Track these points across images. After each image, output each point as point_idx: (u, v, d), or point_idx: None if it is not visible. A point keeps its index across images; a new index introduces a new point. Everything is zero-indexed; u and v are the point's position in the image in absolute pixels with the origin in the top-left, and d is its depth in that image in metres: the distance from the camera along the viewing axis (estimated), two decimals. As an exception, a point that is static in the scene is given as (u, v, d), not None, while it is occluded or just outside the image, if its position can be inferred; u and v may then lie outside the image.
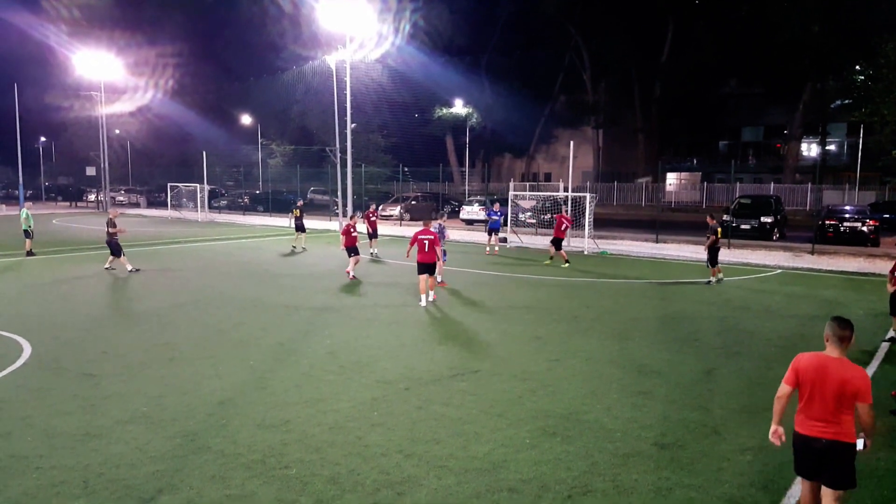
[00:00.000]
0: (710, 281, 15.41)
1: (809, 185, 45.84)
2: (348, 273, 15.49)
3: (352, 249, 15.56)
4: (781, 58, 42.07)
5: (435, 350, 9.36)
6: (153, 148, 64.94)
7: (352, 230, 15.71)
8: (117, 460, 5.66)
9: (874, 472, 5.58)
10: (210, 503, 4.97)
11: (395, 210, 35.02)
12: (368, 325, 10.93)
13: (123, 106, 54.32)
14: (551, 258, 18.60)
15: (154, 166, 63.61)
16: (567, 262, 18.05)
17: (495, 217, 21.16)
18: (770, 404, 7.01)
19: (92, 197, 52.84)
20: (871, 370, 8.38)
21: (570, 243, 22.96)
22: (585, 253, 21.33)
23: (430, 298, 12.63)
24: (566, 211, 22.66)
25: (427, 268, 12.38)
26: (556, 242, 18.34)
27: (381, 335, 10.20)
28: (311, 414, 6.76)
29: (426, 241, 12.27)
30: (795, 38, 39.62)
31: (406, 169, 43.72)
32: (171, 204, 42.12)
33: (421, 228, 12.61)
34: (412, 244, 12.52)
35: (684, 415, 6.84)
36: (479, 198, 36.17)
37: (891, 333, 10.01)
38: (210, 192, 41.96)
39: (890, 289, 9.99)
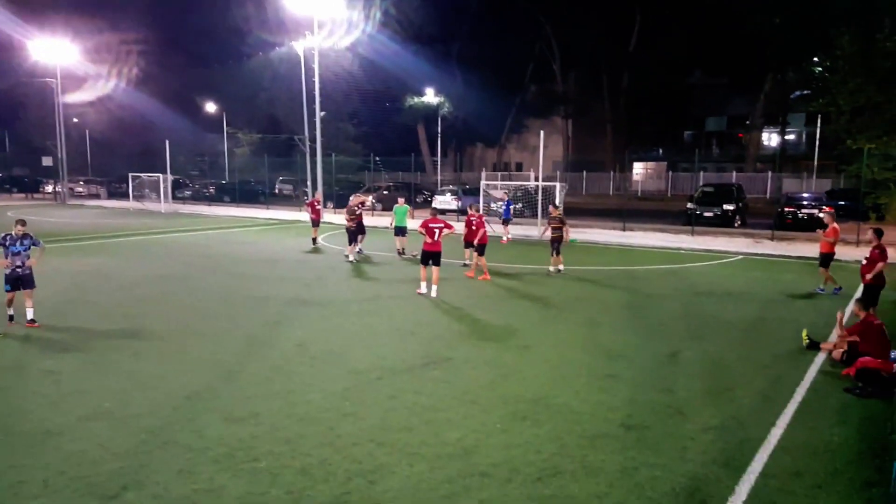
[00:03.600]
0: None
1: (770, 173, 46.98)
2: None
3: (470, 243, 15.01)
4: (744, 49, 42.87)
5: (407, 339, 9.36)
6: (113, 137, 63.15)
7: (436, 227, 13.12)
8: (79, 458, 5.54)
9: (828, 445, 5.80)
10: (177, 498, 4.91)
11: (368, 200, 34.73)
12: (340, 315, 10.87)
13: (82, 94, 52.70)
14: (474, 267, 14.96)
15: (115, 156, 61.95)
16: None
17: (503, 207, 22.70)
18: (732, 384, 7.38)
19: (49, 188, 51.31)
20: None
21: (545, 233, 23.14)
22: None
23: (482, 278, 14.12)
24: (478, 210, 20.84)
25: (469, 244, 14.77)
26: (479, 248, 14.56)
27: (353, 325, 10.16)
28: (282, 406, 6.72)
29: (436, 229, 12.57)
30: (757, 30, 40.39)
31: (377, 158, 43.43)
32: (132, 195, 41.15)
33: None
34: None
35: (650, 397, 6.99)
36: (451, 187, 36.12)
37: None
38: (174, 182, 41.13)
39: (868, 278, 10.37)
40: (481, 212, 16.21)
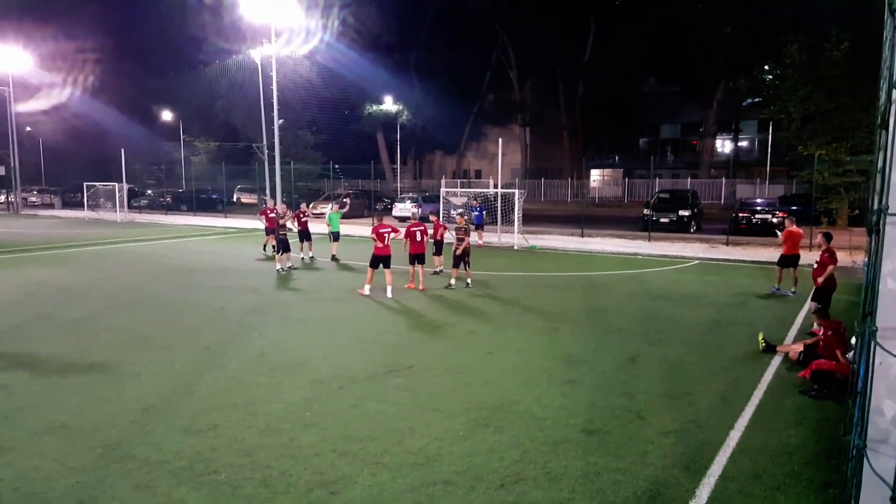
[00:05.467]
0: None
1: (724, 179, 48.32)
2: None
3: (417, 257, 13.64)
4: (696, 57, 44.09)
5: (369, 348, 9.31)
6: (68, 146, 61.36)
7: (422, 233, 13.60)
8: (33, 474, 5.36)
9: (785, 447, 5.97)
10: (135, 514, 4.79)
11: (327, 208, 34.48)
12: (300, 324, 10.76)
13: (36, 103, 51.16)
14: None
15: (69, 165, 60.16)
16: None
17: (476, 213, 22.83)
18: (690, 388, 7.52)
19: (2, 198, 49.57)
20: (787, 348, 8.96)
21: (501, 238, 23.33)
22: (515, 248, 21.73)
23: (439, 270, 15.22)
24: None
25: (415, 258, 13.71)
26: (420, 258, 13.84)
27: (314, 335, 10.07)
28: (242, 417, 6.61)
29: (416, 231, 13.45)
30: (709, 39, 41.58)
31: (337, 166, 43.18)
32: (87, 204, 40.07)
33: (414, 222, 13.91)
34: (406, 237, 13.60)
35: (610, 401, 7.10)
36: (411, 195, 36.18)
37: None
38: (129, 191, 40.26)
39: (819, 282, 10.70)
40: (440, 219, 16.74)
